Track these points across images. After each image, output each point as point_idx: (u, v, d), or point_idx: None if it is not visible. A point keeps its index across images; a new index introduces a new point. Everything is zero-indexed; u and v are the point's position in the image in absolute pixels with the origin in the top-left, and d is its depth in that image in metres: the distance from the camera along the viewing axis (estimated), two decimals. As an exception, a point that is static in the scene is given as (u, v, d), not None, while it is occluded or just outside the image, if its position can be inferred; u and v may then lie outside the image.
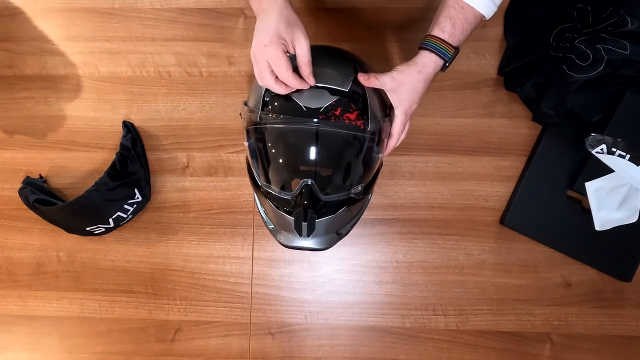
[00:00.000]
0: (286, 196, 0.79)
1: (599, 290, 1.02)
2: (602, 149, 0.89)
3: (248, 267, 1.05)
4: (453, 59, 0.77)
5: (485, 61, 1.05)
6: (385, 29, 1.07)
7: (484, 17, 0.77)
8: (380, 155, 0.82)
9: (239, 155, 1.06)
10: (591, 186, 0.95)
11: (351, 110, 0.76)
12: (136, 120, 1.08)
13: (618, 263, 1.00)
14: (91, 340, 1.06)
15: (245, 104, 0.83)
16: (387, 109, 0.81)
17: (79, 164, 1.08)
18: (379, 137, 0.79)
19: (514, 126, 1.04)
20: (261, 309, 1.05)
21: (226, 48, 1.08)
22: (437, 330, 1.03)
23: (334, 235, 0.87)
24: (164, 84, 1.08)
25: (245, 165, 1.03)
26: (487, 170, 1.04)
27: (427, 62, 0.76)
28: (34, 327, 1.07)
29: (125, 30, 1.10)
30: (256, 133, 0.80)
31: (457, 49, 0.77)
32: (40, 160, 1.09)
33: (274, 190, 0.80)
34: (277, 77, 0.73)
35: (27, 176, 1.07)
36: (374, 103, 0.78)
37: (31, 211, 1.02)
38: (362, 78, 0.77)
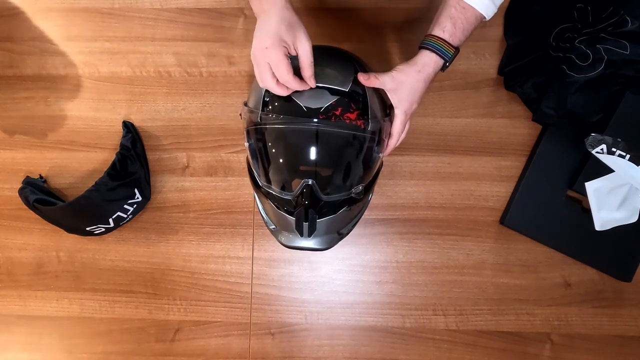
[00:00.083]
0: (287, 196, 0.79)
1: (599, 290, 1.02)
2: (602, 149, 0.89)
3: (248, 267, 1.05)
4: (453, 58, 0.77)
5: (485, 61, 1.05)
6: (385, 29, 1.07)
7: (484, 17, 0.77)
8: (380, 155, 0.82)
9: (239, 155, 1.06)
10: (591, 186, 0.95)
11: (351, 110, 0.76)
12: (136, 120, 1.08)
13: (618, 263, 1.00)
14: (91, 340, 1.06)
15: (246, 104, 0.83)
16: (387, 109, 0.81)
17: (79, 164, 1.08)
18: (379, 137, 0.79)
19: (514, 126, 1.04)
20: (261, 309, 1.05)
21: (226, 48, 1.08)
22: (437, 330, 1.03)
23: (335, 235, 0.87)
24: (164, 84, 1.08)
25: (245, 166, 1.03)
26: (487, 170, 1.04)
27: (428, 61, 0.76)
28: (34, 327, 1.07)
29: (125, 30, 1.10)
30: (256, 133, 0.80)
31: (457, 49, 0.77)
32: (40, 160, 1.09)
33: (275, 190, 0.80)
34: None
35: (27, 176, 1.07)
36: (374, 103, 0.78)
37: (31, 211, 1.02)
38: (362, 78, 0.76)
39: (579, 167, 0.98)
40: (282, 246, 0.87)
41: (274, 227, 0.88)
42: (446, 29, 0.76)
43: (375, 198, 1.01)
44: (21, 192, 1.03)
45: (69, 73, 1.10)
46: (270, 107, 0.77)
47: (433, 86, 0.81)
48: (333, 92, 0.76)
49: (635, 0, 0.93)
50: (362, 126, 0.77)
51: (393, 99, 0.78)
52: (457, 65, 1.01)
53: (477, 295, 1.03)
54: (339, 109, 0.75)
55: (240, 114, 0.84)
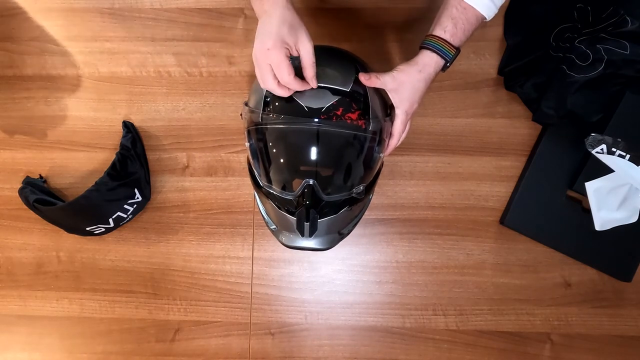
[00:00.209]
0: (288, 196, 0.79)
1: (599, 290, 1.02)
2: (602, 149, 0.89)
3: (248, 267, 1.05)
4: (454, 59, 0.77)
5: (485, 61, 1.05)
6: (386, 29, 1.07)
7: (485, 18, 0.77)
8: (381, 155, 0.82)
9: (239, 155, 1.06)
10: (591, 186, 0.95)
11: (353, 110, 0.75)
12: (136, 120, 1.08)
13: (618, 263, 1.00)
14: (91, 340, 1.06)
15: (246, 104, 0.83)
16: (388, 109, 0.81)
17: (79, 164, 1.08)
18: (380, 137, 0.79)
19: (514, 126, 1.04)
20: (261, 309, 1.05)
21: (226, 48, 1.08)
22: (437, 330, 1.03)
23: (336, 235, 0.87)
24: (164, 84, 1.08)
25: (245, 165, 1.03)
26: (487, 170, 1.04)
27: (428, 61, 0.76)
28: (34, 327, 1.07)
29: (125, 30, 1.10)
30: (257, 133, 0.80)
31: (458, 49, 0.77)
32: (40, 160, 1.09)
33: (276, 190, 0.80)
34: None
35: (27, 176, 1.07)
36: (375, 103, 0.78)
37: (31, 211, 1.02)
38: (363, 78, 0.76)
39: (579, 167, 0.98)
40: (282, 246, 0.86)
41: (274, 227, 0.88)
42: (447, 29, 0.76)
43: (375, 198, 1.01)
44: (21, 192, 1.03)
45: (69, 73, 1.10)
46: (271, 107, 0.77)
47: (433, 86, 0.81)
48: (334, 92, 0.76)
49: (635, 0, 0.93)
50: (364, 126, 0.77)
51: (394, 98, 0.78)
52: (457, 65, 1.00)
53: (477, 295, 1.03)
54: (340, 109, 0.75)
55: (241, 114, 0.84)
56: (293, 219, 0.79)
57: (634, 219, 0.95)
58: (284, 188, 0.80)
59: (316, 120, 0.74)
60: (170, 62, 1.08)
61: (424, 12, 1.06)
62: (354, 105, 0.76)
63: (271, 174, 0.81)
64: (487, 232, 1.03)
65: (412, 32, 1.06)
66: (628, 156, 0.89)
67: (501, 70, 1.04)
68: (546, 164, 1.00)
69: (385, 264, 1.04)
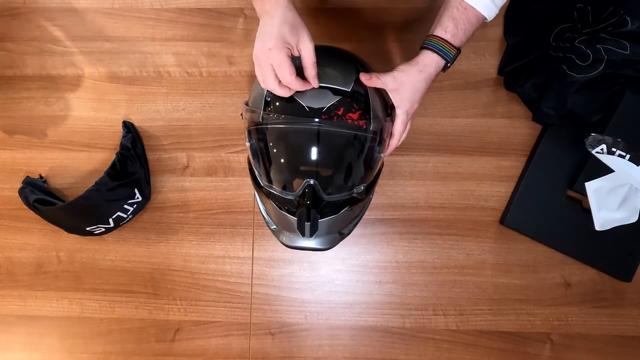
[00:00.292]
0: (289, 196, 0.79)
1: (599, 290, 1.02)
2: (602, 149, 0.90)
3: (248, 267, 1.05)
4: (455, 59, 0.77)
5: (485, 61, 1.05)
6: (386, 29, 1.07)
7: (486, 18, 0.77)
8: (382, 155, 0.82)
9: (239, 155, 1.06)
10: (591, 186, 0.95)
11: (354, 110, 0.76)
12: (136, 120, 1.08)
13: (618, 263, 1.01)
14: (91, 340, 1.06)
15: (247, 104, 0.83)
16: (389, 109, 0.81)
17: (79, 164, 1.08)
18: (380, 137, 0.79)
19: (514, 126, 1.04)
20: (261, 309, 1.05)
21: (226, 48, 1.08)
22: (437, 330, 1.03)
23: (337, 235, 0.87)
24: (164, 84, 1.08)
25: (245, 165, 1.03)
26: (487, 170, 1.04)
27: (429, 61, 0.76)
28: (34, 327, 1.07)
29: (125, 30, 1.10)
30: (258, 133, 0.80)
31: (458, 50, 0.77)
32: (40, 160, 1.09)
33: (276, 190, 0.80)
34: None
35: (27, 176, 1.07)
36: (375, 103, 0.78)
37: (31, 211, 1.02)
38: (364, 78, 0.77)
39: (579, 167, 0.98)
40: (282, 246, 0.87)
41: (275, 227, 0.88)
42: (448, 29, 0.76)
43: (375, 198, 1.01)
44: (21, 192, 1.03)
45: (69, 73, 1.10)
46: (272, 106, 0.77)
47: (433, 86, 0.81)
48: (335, 92, 0.76)
49: (635, 0, 0.93)
50: (364, 126, 0.77)
51: (394, 98, 0.78)
52: (457, 65, 1.00)
53: (477, 295, 1.03)
54: (341, 109, 0.75)
55: (241, 114, 0.84)
56: (294, 219, 0.79)
57: (634, 219, 0.95)
58: (284, 188, 0.80)
59: (317, 120, 0.74)
60: (170, 62, 1.08)
61: (424, 12, 1.06)
62: (354, 105, 0.76)
63: (272, 174, 0.81)
64: (487, 232, 1.03)
65: (412, 32, 1.06)
66: (628, 156, 0.89)
67: (501, 70, 1.04)
68: (546, 164, 1.00)
69: (385, 264, 1.04)
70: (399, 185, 1.04)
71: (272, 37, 0.70)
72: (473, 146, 1.04)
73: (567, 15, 1.00)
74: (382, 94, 0.80)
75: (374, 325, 1.04)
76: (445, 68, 0.78)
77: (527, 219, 1.01)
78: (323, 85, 0.75)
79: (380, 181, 0.90)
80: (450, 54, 0.76)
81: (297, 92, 0.75)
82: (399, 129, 0.80)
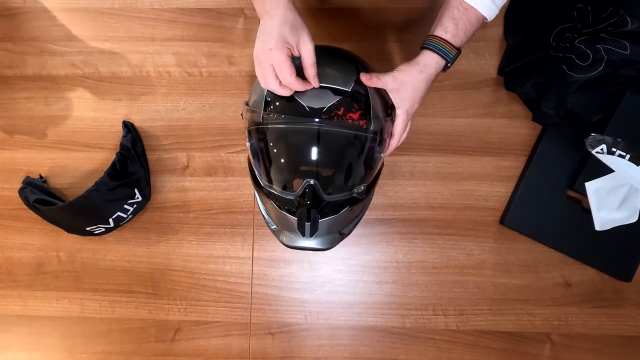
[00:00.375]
0: (289, 196, 0.79)
1: (599, 290, 1.02)
2: (602, 149, 0.90)
3: (248, 267, 1.05)
4: (455, 59, 0.77)
5: (485, 61, 1.05)
6: (386, 29, 1.07)
7: (486, 19, 0.77)
8: (382, 155, 0.82)
9: (239, 155, 1.06)
10: (591, 186, 0.95)
11: (354, 110, 0.76)
12: (136, 120, 1.08)
13: (618, 263, 1.01)
14: (91, 340, 1.06)
15: (247, 104, 0.83)
16: (389, 109, 0.81)
17: (79, 164, 1.08)
18: (380, 137, 0.79)
19: (514, 126, 1.04)
20: (261, 309, 1.05)
21: (226, 48, 1.08)
22: (437, 330, 1.03)
23: (337, 235, 0.87)
24: (164, 84, 1.08)
25: (245, 165, 1.03)
26: (487, 170, 1.04)
27: (429, 61, 0.76)
28: (34, 327, 1.07)
29: (125, 30, 1.10)
30: (258, 133, 0.80)
31: (459, 50, 0.77)
32: (40, 160, 1.09)
33: (277, 190, 0.80)
34: None
35: (27, 176, 1.07)
36: (376, 103, 0.78)
37: (31, 211, 1.02)
38: (364, 78, 0.77)
39: (579, 167, 0.98)
40: (282, 246, 0.87)
41: (275, 227, 0.88)
42: (448, 29, 0.76)
43: (375, 198, 1.01)
44: (21, 192, 1.03)
45: (69, 73, 1.10)
46: (272, 106, 0.77)
47: (433, 86, 0.81)
48: (335, 92, 0.76)
49: (635, 0, 0.93)
50: (365, 126, 0.77)
51: (395, 98, 0.78)
52: (457, 65, 0.99)
53: (477, 295, 1.03)
54: (342, 109, 0.75)
55: (242, 114, 0.84)
56: (294, 219, 0.79)
57: (634, 219, 0.95)
58: (284, 188, 0.80)
59: (317, 120, 0.74)
60: (170, 62, 1.08)
61: (424, 12, 1.06)
62: (355, 105, 0.76)
63: (272, 174, 0.81)
64: (487, 232, 1.03)
65: (412, 32, 1.06)
66: (628, 156, 0.89)
67: (501, 70, 1.04)
68: (546, 164, 1.00)
69: (385, 264, 1.04)
70: (399, 185, 1.04)
71: (273, 37, 0.70)
72: (473, 146, 1.04)
73: (567, 15, 1.00)
74: (382, 94, 0.80)
75: (374, 325, 1.04)
76: (445, 68, 0.78)
77: (527, 219, 1.01)
78: (323, 85, 0.75)
79: (380, 181, 0.90)
80: (450, 54, 0.76)
81: (298, 92, 0.75)
82: (399, 129, 0.80)
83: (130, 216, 1.03)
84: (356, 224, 0.92)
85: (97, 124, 1.08)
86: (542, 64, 0.99)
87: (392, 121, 0.80)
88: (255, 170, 0.84)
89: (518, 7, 1.03)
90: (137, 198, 1.01)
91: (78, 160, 1.08)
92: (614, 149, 0.89)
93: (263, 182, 0.82)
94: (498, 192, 1.03)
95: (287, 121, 0.76)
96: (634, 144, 0.89)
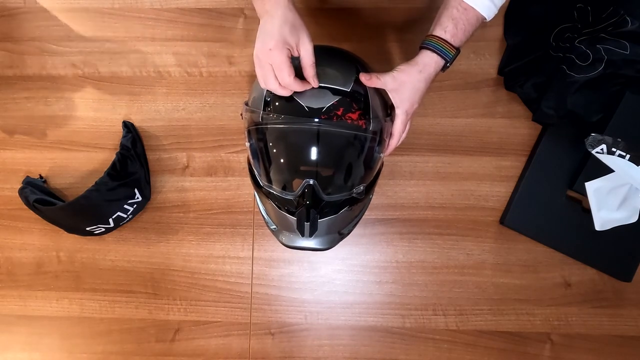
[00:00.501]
0: (288, 196, 0.79)
1: (599, 290, 1.02)
2: (602, 149, 0.90)
3: (248, 267, 1.05)
4: (454, 59, 0.77)
5: (485, 61, 1.05)
6: (386, 29, 1.07)
7: (485, 18, 0.77)
8: (381, 155, 0.82)
9: (239, 155, 1.06)
10: (591, 186, 0.95)
11: (353, 110, 0.75)
12: (136, 120, 1.08)
13: (618, 263, 1.01)
14: (91, 340, 1.06)
15: (247, 104, 0.83)
16: (388, 109, 0.81)
17: (79, 164, 1.08)
18: (380, 137, 0.79)
19: (514, 126, 1.04)
20: (261, 309, 1.05)
21: (226, 48, 1.08)
22: (437, 330, 1.03)
23: (336, 235, 0.87)
24: (164, 84, 1.08)
25: (245, 165, 1.03)
26: (487, 170, 1.04)
27: (429, 61, 0.76)
28: (34, 327, 1.07)
29: (125, 30, 1.10)
30: (258, 133, 0.80)
31: (458, 50, 0.77)
32: (40, 160, 1.09)
33: (276, 190, 0.80)
34: None
35: (27, 176, 1.07)
36: (375, 103, 0.78)
37: (31, 211, 1.02)
38: (363, 78, 0.76)
39: (579, 167, 0.98)
40: (282, 246, 0.87)
41: (274, 227, 0.88)
42: (447, 29, 0.76)
43: (375, 198, 1.01)
44: (21, 192, 1.03)
45: (69, 73, 1.10)
46: (271, 106, 0.77)
47: (433, 86, 0.81)
48: (335, 92, 0.76)
49: (635, 0, 0.93)
50: (364, 126, 0.77)
51: (394, 98, 0.78)
52: (457, 65, 1.00)
53: (477, 295, 1.03)
54: (341, 109, 0.75)
55: (241, 114, 0.84)
56: (293, 219, 0.79)
57: (634, 219, 0.95)
58: (284, 188, 0.80)
59: (316, 120, 0.74)
60: (170, 62, 1.08)
61: (424, 12, 1.06)
62: (354, 105, 0.76)
63: (271, 174, 0.81)
64: (487, 232, 1.03)
65: (412, 32, 1.06)
66: (628, 156, 0.89)
67: (501, 70, 1.04)
68: (546, 164, 1.00)
69: (385, 264, 1.04)
70: (399, 185, 1.04)
71: (273, 38, 0.70)
72: (473, 146, 1.04)
73: (567, 15, 1.00)
74: (381, 94, 0.80)
75: (374, 325, 1.04)
76: (444, 68, 0.78)
77: (527, 219, 1.01)
78: (323, 85, 0.75)
79: (380, 181, 0.90)
80: (449, 54, 0.76)
81: (297, 92, 0.75)
82: (399, 129, 0.80)
83: (130, 216, 1.03)
84: (356, 224, 0.92)
85: (97, 124, 1.08)
86: (542, 64, 0.99)
87: (392, 121, 0.80)
88: (255, 170, 0.84)
89: (518, 7, 1.03)
90: (137, 198, 1.01)
91: (78, 160, 1.08)
92: (614, 149, 0.89)
93: (262, 182, 0.82)
94: (498, 192, 1.03)
95: (286, 121, 0.76)
96: (634, 144, 0.89)
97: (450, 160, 1.04)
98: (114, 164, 1.00)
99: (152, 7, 1.09)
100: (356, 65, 0.81)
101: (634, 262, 1.00)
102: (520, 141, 1.04)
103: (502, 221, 1.02)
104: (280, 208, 0.81)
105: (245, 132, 0.82)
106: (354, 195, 0.81)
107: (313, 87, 0.74)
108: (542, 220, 1.00)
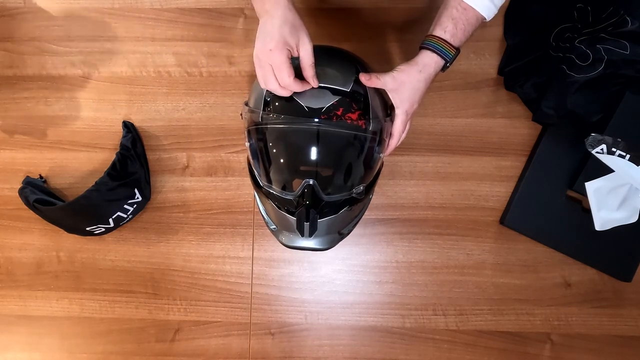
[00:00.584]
0: (288, 196, 0.79)
1: (599, 290, 1.02)
2: (602, 149, 0.90)
3: (248, 267, 1.05)
4: (454, 59, 0.77)
5: (485, 61, 1.05)
6: (386, 29, 1.07)
7: (485, 18, 0.77)
8: (381, 155, 0.82)
9: (239, 155, 1.06)
10: (591, 186, 0.95)
11: (353, 110, 0.75)
12: (136, 120, 1.08)
13: (618, 263, 1.00)
14: (91, 340, 1.06)
15: (246, 104, 0.83)
16: (388, 109, 0.81)
17: (79, 164, 1.08)
18: (380, 137, 0.79)
19: (514, 126, 1.04)
20: (261, 309, 1.05)
21: (226, 48, 1.08)
22: (437, 330, 1.03)
23: (336, 235, 0.87)
24: (164, 84, 1.08)
25: (245, 165, 1.03)
26: (487, 170, 1.04)
27: (428, 61, 0.76)
28: (34, 327, 1.07)
29: (125, 30, 1.10)
30: (257, 133, 0.80)
31: (458, 50, 0.77)
32: (40, 160, 1.09)
33: (276, 190, 0.80)
34: None
35: (27, 176, 1.07)
36: (375, 103, 0.78)
37: (31, 211, 1.02)
38: (363, 78, 0.76)
39: (579, 167, 0.98)
40: (282, 246, 0.86)
41: (274, 227, 0.88)
42: (447, 29, 0.76)
43: (375, 198, 1.01)
44: (21, 192, 1.03)
45: (68, 73, 1.10)
46: (271, 106, 0.77)
47: (433, 86, 0.81)
48: (334, 92, 0.75)
49: (635, 0, 0.93)
50: (364, 126, 0.77)
51: (394, 99, 0.78)
52: (457, 65, 1.00)
53: (477, 295, 1.03)
54: (341, 109, 0.75)
55: (241, 114, 0.84)
56: (293, 219, 0.79)
57: (634, 219, 0.95)
58: (284, 188, 0.80)
59: (316, 120, 0.74)
60: (170, 62, 1.08)
61: (424, 12, 1.06)
62: (354, 106, 0.76)
63: (271, 174, 0.81)
64: (487, 232, 1.03)
65: (412, 32, 1.06)
66: (628, 156, 0.89)
67: (501, 70, 1.04)
68: (546, 164, 1.00)
69: (385, 264, 1.04)
70: (399, 185, 1.04)
71: (273, 38, 0.70)
72: (473, 146, 1.04)
73: (567, 15, 1.00)
74: (381, 94, 0.80)
75: (374, 325, 1.04)
76: (444, 68, 0.78)
77: (527, 219, 1.01)
78: (322, 85, 0.75)
79: (380, 181, 0.90)
80: (449, 54, 0.76)
81: (297, 92, 0.75)
82: (399, 129, 0.80)
83: (130, 216, 1.03)
84: (356, 224, 0.92)
85: (97, 124, 1.08)
86: (542, 64, 0.99)
87: (392, 121, 0.80)
88: (255, 171, 0.84)
89: (518, 7, 1.03)
90: (137, 198, 1.01)
91: (78, 160, 1.08)
92: (614, 149, 0.89)
93: (262, 182, 0.82)
94: (498, 192, 1.03)
95: (286, 121, 0.76)
96: (634, 144, 0.89)
97: (450, 160, 1.04)
98: (114, 164, 1.00)
99: (152, 7, 1.09)
100: (356, 65, 0.80)
101: (634, 262, 1.00)
102: (520, 141, 1.04)
103: (502, 221, 1.02)
104: (280, 208, 0.81)
105: (245, 132, 0.82)
106: (353, 195, 0.80)
107: (313, 87, 0.74)
108: (542, 220, 1.00)
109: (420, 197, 1.04)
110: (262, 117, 0.77)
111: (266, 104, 0.77)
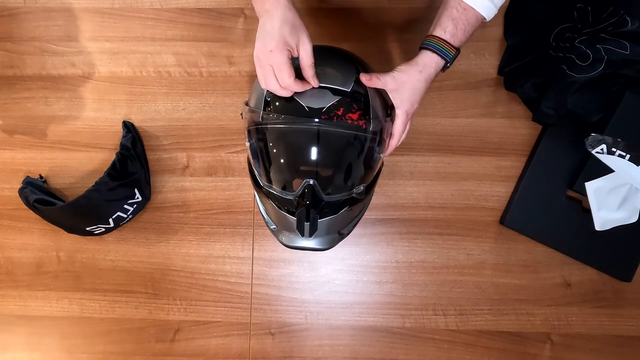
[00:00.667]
0: (288, 196, 0.79)
1: (599, 290, 1.02)
2: (602, 149, 0.90)
3: (248, 267, 1.05)
4: (454, 59, 0.77)
5: (485, 61, 1.05)
6: (386, 29, 1.07)
7: (485, 18, 0.77)
8: (381, 155, 0.82)
9: (239, 155, 1.06)
10: (591, 186, 0.95)
11: (353, 110, 0.75)
12: (136, 120, 1.08)
13: (618, 263, 1.00)
14: (91, 340, 1.06)
15: (247, 104, 0.83)
16: (388, 109, 0.81)
17: (79, 164, 1.08)
18: (380, 137, 0.79)
19: (514, 126, 1.04)
20: (261, 309, 1.05)
21: (226, 48, 1.08)
22: (437, 330, 1.03)
23: (336, 235, 0.87)
24: (164, 84, 1.08)
25: (245, 165, 1.03)
26: (487, 170, 1.04)
27: (429, 62, 0.76)
28: (34, 327, 1.07)
29: (125, 30, 1.10)
30: (258, 133, 0.80)
31: (458, 50, 0.77)
32: (40, 160, 1.09)
33: (276, 190, 0.80)
34: None
35: (27, 176, 1.07)
36: (375, 103, 0.78)
37: (31, 211, 1.02)
38: (364, 78, 0.76)
39: (579, 167, 0.98)
40: (282, 246, 0.87)
41: (274, 227, 0.88)
42: (447, 29, 0.76)
43: (375, 198, 1.01)
44: (21, 192, 1.03)
45: (68, 73, 1.10)
46: (271, 106, 0.77)
47: (433, 86, 0.81)
48: (335, 92, 0.76)
49: (635, 0, 0.93)
50: (364, 126, 0.77)
51: (394, 99, 0.78)
52: (457, 65, 1.00)
53: (477, 295, 1.03)
54: (341, 109, 0.75)
55: (241, 114, 0.84)
56: (293, 219, 0.79)
57: (634, 219, 0.95)
58: (284, 188, 0.80)
59: (317, 120, 0.74)
60: (170, 62, 1.08)
61: (424, 12, 1.06)
62: (354, 106, 0.76)
63: (271, 174, 0.81)
64: (487, 232, 1.03)
65: (412, 32, 1.06)
66: (628, 156, 0.89)
67: (501, 70, 1.04)
68: (546, 164, 1.00)
69: (385, 264, 1.04)
70: (399, 185, 1.04)
71: (273, 39, 0.70)
72: (473, 146, 1.04)
73: (567, 15, 1.00)
74: (382, 94, 0.80)
75: (374, 325, 1.04)
76: (444, 68, 0.78)
77: (527, 219, 1.01)
78: (323, 85, 0.75)
79: (380, 181, 0.90)
80: (449, 54, 0.76)
81: (297, 92, 0.74)
82: (399, 129, 0.80)
83: (130, 216, 1.03)
84: (356, 224, 0.92)
85: (97, 124, 1.08)
86: (542, 64, 0.99)
87: (392, 121, 0.80)
88: (255, 170, 0.84)
89: (518, 7, 1.03)
90: (137, 198, 1.01)
91: (78, 160, 1.08)
92: (614, 149, 0.89)
93: (262, 182, 0.82)
94: (498, 192, 1.03)
95: (286, 121, 0.76)
96: (634, 144, 0.89)
97: (450, 160, 1.04)
98: (114, 164, 1.00)
99: (152, 7, 1.09)
100: (356, 65, 0.81)
101: (634, 262, 1.00)
102: (520, 141, 1.04)
103: (502, 221, 1.02)
104: (280, 208, 0.81)
105: (245, 132, 0.82)
106: (353, 195, 0.81)
107: (313, 87, 0.74)
108: (542, 220, 1.00)
109: (420, 197, 1.04)
110: (262, 117, 0.77)
111: (266, 103, 0.77)
